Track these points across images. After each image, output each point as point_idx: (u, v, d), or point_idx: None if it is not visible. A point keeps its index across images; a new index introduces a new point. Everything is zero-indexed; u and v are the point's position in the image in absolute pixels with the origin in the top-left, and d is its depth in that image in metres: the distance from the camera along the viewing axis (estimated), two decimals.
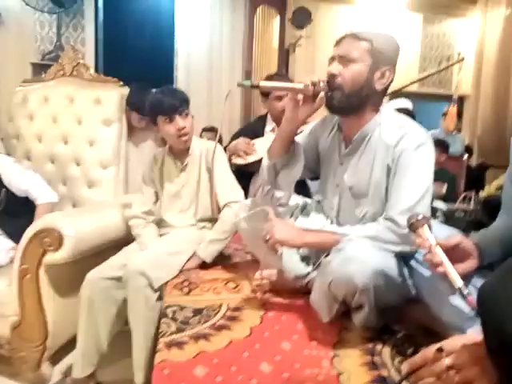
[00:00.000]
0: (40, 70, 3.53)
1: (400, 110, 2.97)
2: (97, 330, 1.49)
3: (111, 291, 1.49)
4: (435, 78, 5.24)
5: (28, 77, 3.43)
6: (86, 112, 2.06)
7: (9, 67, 4.25)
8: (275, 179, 1.32)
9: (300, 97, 1.19)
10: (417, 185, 1.13)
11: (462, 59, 3.42)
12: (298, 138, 1.35)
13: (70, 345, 1.60)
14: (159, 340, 1.09)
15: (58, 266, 1.53)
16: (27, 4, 4.07)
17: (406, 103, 3.01)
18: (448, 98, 5.37)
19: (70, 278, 1.59)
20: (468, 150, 4.31)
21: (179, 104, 1.63)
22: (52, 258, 1.49)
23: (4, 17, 4.23)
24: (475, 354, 0.69)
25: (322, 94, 1.18)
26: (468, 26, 5.29)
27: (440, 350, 0.77)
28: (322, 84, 1.17)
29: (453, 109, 3.62)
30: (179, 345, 1.06)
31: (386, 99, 1.31)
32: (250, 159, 2.17)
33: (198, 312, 1.25)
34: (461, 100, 5.53)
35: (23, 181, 1.82)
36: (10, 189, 1.81)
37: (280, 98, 2.19)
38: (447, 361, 0.74)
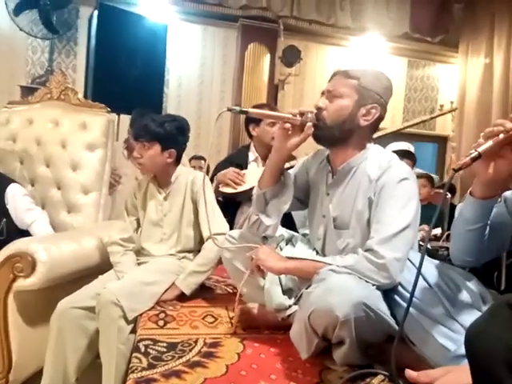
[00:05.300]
0: (28, 93, 3.52)
1: (402, 152, 3.03)
2: (65, 362, 1.40)
3: (83, 322, 1.42)
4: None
5: (16, 99, 3.42)
6: (71, 136, 2.05)
7: None
8: (265, 209, 1.33)
9: (287, 125, 1.22)
10: (397, 217, 1.12)
11: (455, 109, 3.57)
12: (291, 170, 1.38)
13: (34, 379, 1.50)
14: (129, 376, 1.02)
15: (28, 293, 1.45)
16: (21, 29, 4.12)
17: (408, 146, 3.08)
18: (430, 138, 5.54)
19: (41, 306, 1.52)
20: (451, 189, 4.37)
21: (138, 133, 1.64)
22: (22, 284, 1.42)
23: None
24: None
25: (309, 124, 1.21)
26: (450, 71, 5.53)
27: None
28: (309, 115, 1.21)
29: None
30: (149, 382, 1.00)
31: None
32: (239, 189, 2.17)
33: (172, 347, 1.19)
34: (444, 140, 5.70)
35: (29, 215, 1.80)
36: (14, 220, 1.78)
37: (273, 124, 2.20)
38: None
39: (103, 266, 1.67)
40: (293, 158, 2.21)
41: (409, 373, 0.91)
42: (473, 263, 1.10)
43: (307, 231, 1.47)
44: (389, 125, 4.70)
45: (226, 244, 1.43)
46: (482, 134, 0.89)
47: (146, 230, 1.71)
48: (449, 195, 3.90)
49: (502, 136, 0.85)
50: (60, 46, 4.44)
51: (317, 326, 1.06)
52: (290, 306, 1.30)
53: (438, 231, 2.96)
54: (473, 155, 0.85)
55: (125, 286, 1.42)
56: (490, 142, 0.85)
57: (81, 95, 2.21)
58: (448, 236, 2.82)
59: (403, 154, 2.90)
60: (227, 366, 1.10)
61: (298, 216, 2.03)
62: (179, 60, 4.73)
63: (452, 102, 3.29)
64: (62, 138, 2.04)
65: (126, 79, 3.20)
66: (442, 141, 5.70)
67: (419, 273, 0.85)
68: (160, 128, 1.61)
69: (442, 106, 2.98)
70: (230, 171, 2.22)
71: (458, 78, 5.32)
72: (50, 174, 2.02)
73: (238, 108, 1.25)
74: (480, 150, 0.85)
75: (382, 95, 1.24)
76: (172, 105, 4.70)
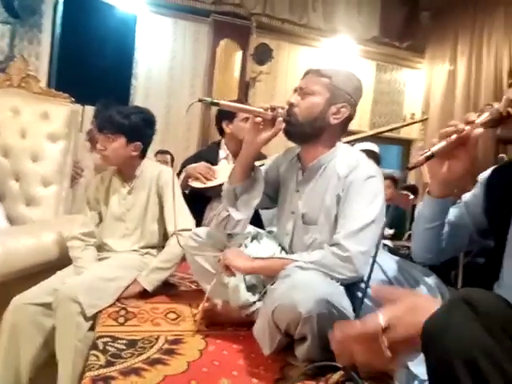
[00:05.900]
0: None
1: (366, 152, 3.08)
2: (18, 361, 1.34)
3: (39, 318, 1.36)
4: (385, 122, 5.54)
5: None
6: (32, 126, 1.97)
7: None
8: (235, 204, 1.32)
9: (259, 119, 1.22)
10: (364, 212, 1.16)
11: (426, 119, 3.66)
12: (262, 167, 1.38)
13: None
14: (85, 374, 0.99)
15: None
16: None
17: (373, 146, 3.15)
18: (395, 141, 5.70)
19: None
20: (414, 190, 4.51)
21: (103, 124, 1.59)
22: None
23: None
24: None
25: (280, 119, 1.22)
26: (416, 76, 5.70)
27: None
28: (280, 110, 1.22)
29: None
30: (106, 380, 0.97)
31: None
32: (209, 184, 2.14)
33: (131, 344, 1.16)
34: (408, 143, 5.87)
35: None
36: None
37: (247, 120, 2.17)
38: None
39: (63, 261, 1.61)
40: (263, 156, 2.20)
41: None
42: (433, 260, 1.13)
43: (274, 229, 1.47)
44: (356, 126, 4.81)
45: (191, 242, 1.42)
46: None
47: (108, 224, 1.66)
48: (412, 196, 4.03)
49: (454, 136, 0.88)
50: (23, 32, 4.25)
51: (280, 321, 1.07)
52: (254, 303, 1.30)
53: (390, 232, 3.07)
54: (426, 154, 0.87)
55: (84, 282, 1.38)
56: (443, 142, 0.88)
57: (43, 84, 2.13)
58: (409, 236, 2.91)
59: (367, 154, 2.96)
60: (188, 363, 1.08)
61: (265, 214, 2.03)
62: (149, 52, 4.63)
63: (424, 113, 3.40)
64: (21, 128, 1.96)
65: (92, 69, 3.10)
66: (406, 144, 5.87)
67: (374, 261, 0.86)
68: (125, 120, 1.57)
69: (413, 114, 3.07)
70: (201, 165, 2.18)
71: (423, 83, 5.50)
72: (8, 165, 1.94)
73: (209, 99, 1.26)
74: (433, 149, 0.87)
75: (353, 95, 1.26)
76: (140, 98, 4.60)
